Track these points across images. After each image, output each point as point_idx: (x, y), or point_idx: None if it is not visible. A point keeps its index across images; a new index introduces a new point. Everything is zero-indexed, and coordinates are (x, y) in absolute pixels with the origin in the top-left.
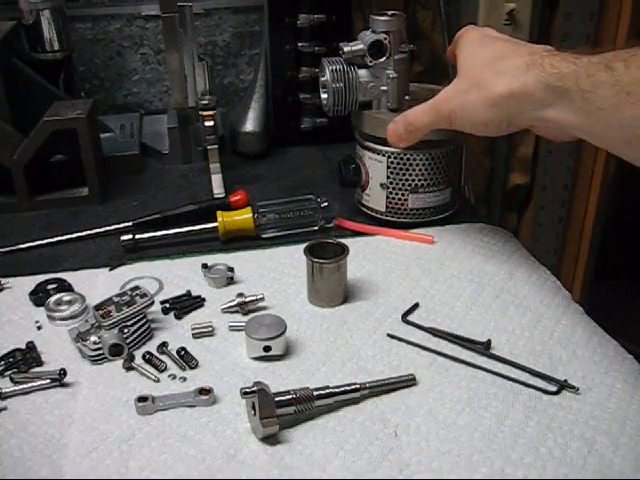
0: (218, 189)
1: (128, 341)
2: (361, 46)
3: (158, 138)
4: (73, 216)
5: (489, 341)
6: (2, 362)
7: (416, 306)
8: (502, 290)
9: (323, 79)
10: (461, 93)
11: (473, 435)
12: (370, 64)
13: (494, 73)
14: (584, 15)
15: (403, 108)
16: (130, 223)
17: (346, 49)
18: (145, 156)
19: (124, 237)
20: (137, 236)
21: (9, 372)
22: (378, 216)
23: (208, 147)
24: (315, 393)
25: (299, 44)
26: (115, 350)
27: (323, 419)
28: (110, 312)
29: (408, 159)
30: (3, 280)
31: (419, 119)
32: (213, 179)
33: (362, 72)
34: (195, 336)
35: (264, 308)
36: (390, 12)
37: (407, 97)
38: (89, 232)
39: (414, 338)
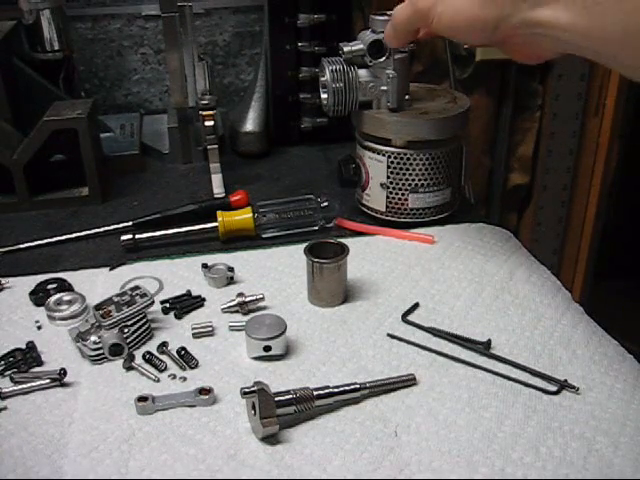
0: (218, 189)
1: (128, 341)
2: (361, 46)
3: (158, 138)
4: (73, 216)
5: (489, 341)
6: (2, 362)
7: (416, 306)
8: (502, 290)
9: (323, 79)
10: None
11: (473, 435)
12: (370, 64)
13: None
14: None
15: (403, 108)
16: (130, 223)
17: (346, 49)
18: (145, 156)
19: (124, 237)
20: (137, 236)
21: (9, 372)
22: (378, 216)
23: (208, 147)
24: (315, 393)
25: (299, 44)
26: (115, 350)
27: (323, 419)
28: (110, 312)
29: (408, 159)
30: (3, 280)
31: (398, 14)
32: (213, 179)
33: (362, 72)
34: (195, 336)
35: (264, 308)
36: (390, 12)
37: (407, 97)
38: (89, 232)
39: (414, 338)
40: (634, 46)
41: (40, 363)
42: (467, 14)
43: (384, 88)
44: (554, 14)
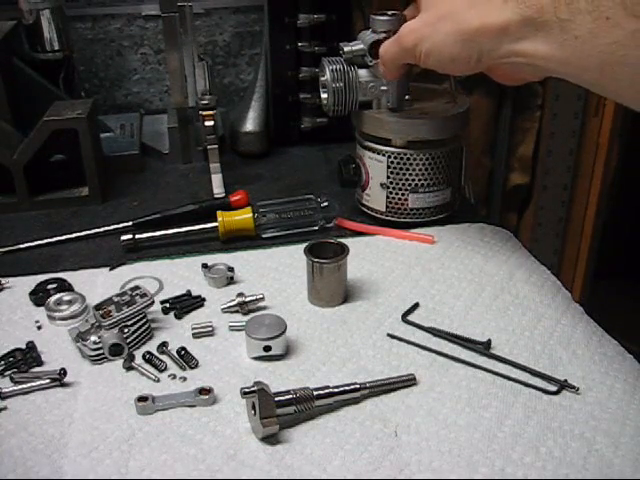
0: (218, 189)
1: (128, 341)
2: (361, 46)
3: (158, 138)
4: (73, 216)
5: (489, 341)
6: (2, 362)
7: (416, 306)
8: (502, 290)
9: (323, 79)
10: (428, 25)
11: (473, 435)
12: (370, 64)
13: (467, 5)
14: None
15: (403, 108)
16: (130, 223)
17: (346, 49)
18: (145, 156)
19: (124, 237)
20: (137, 236)
21: (9, 372)
22: (378, 216)
23: (208, 147)
24: (315, 393)
25: (299, 44)
26: (115, 350)
27: (323, 419)
28: (110, 312)
29: (408, 159)
30: (3, 280)
31: (387, 51)
32: (213, 179)
33: (362, 72)
34: (195, 336)
35: (264, 308)
36: (390, 12)
37: (407, 97)
38: (89, 232)
39: (414, 338)
40: (612, 75)
41: (40, 363)
42: (450, 51)
43: (384, 88)
44: (534, 47)
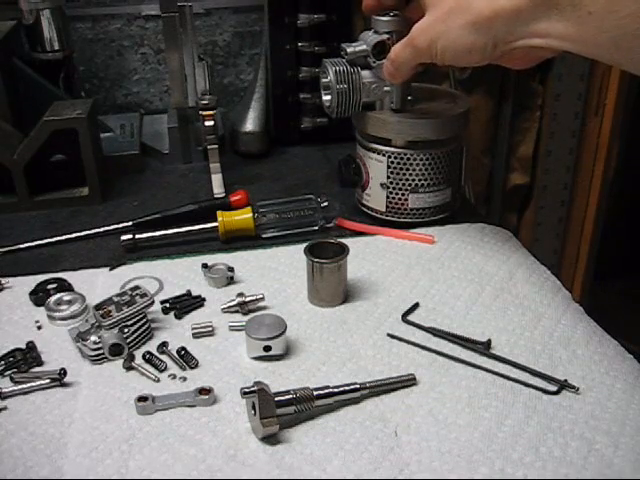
0: (218, 189)
1: (128, 341)
2: (364, 47)
3: (158, 138)
4: (73, 216)
5: (489, 341)
6: (2, 362)
7: (416, 306)
8: (502, 290)
9: (326, 80)
10: (438, 21)
11: (473, 435)
12: (373, 65)
13: None
14: None
15: (406, 108)
16: (130, 223)
17: (349, 50)
18: (145, 156)
19: (124, 237)
20: (137, 236)
21: (9, 372)
22: (378, 216)
23: (208, 147)
24: (315, 393)
25: (299, 44)
26: (115, 350)
27: (323, 419)
28: (110, 312)
29: (408, 159)
30: (3, 280)
31: (400, 55)
32: (213, 179)
33: (365, 73)
34: (195, 336)
35: (264, 308)
36: (392, 12)
37: (410, 97)
38: (89, 232)
39: (414, 338)
40: (628, 49)
41: (40, 363)
42: (465, 43)
43: (387, 89)
44: (548, 27)
